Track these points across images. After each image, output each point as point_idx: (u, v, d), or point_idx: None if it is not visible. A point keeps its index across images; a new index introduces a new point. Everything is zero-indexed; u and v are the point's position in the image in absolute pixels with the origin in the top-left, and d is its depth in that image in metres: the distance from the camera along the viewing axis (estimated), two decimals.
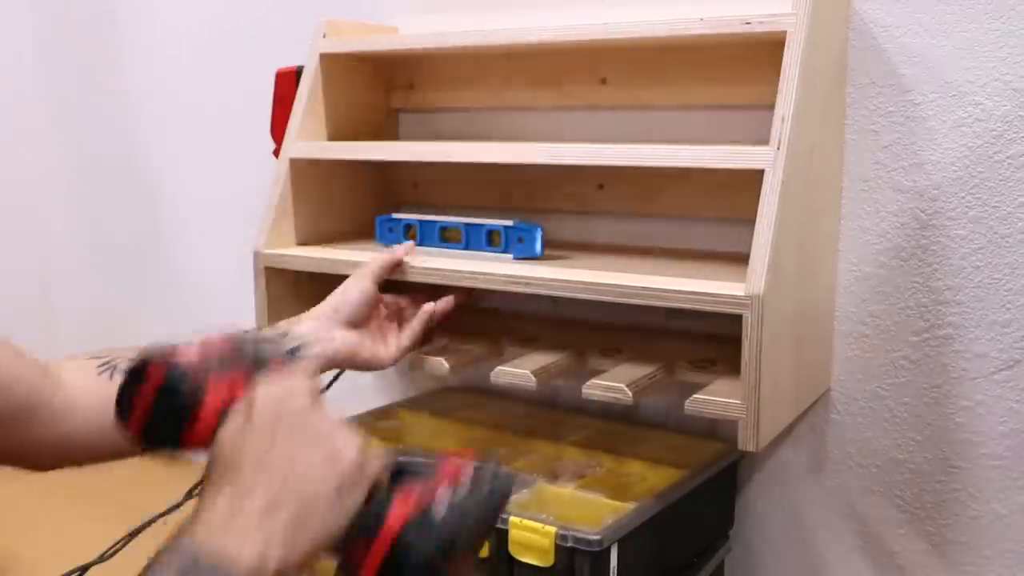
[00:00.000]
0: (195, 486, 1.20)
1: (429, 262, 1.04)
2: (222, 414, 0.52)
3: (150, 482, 1.52)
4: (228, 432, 0.50)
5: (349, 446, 0.51)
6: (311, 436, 0.50)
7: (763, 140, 0.87)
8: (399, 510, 0.52)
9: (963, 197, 0.99)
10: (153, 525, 1.20)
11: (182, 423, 0.54)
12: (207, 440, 0.52)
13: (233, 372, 0.55)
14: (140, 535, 0.96)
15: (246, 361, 0.55)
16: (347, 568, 0.52)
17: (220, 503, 0.47)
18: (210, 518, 0.47)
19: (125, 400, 0.56)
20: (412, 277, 1.03)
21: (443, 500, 0.53)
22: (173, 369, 0.55)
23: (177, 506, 1.20)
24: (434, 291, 1.03)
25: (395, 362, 0.94)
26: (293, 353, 0.58)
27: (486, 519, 0.57)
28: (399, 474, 0.55)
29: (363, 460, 0.51)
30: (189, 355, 0.56)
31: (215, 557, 0.44)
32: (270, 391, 0.51)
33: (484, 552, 0.93)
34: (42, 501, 1.48)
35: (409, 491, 0.53)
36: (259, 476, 0.47)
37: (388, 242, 1.13)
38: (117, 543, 1.18)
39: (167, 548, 0.45)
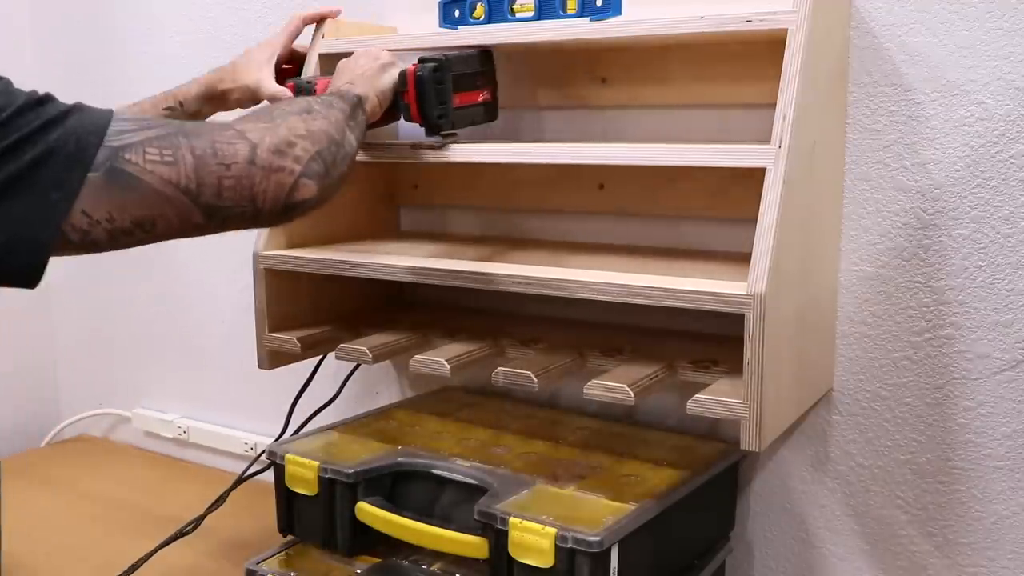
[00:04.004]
0: (213, 504, 1.21)
1: (427, 263, 1.03)
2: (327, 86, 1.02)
3: (166, 492, 1.52)
4: (337, 66, 1.04)
5: (383, 53, 1.03)
6: (365, 55, 1.03)
7: (764, 139, 0.87)
8: (411, 68, 1.01)
9: (965, 197, 0.99)
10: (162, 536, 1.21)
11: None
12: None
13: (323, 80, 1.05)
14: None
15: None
16: (400, 102, 1.01)
17: (338, 83, 0.98)
18: (338, 86, 0.97)
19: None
20: (411, 278, 1.03)
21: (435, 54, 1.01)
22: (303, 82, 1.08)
23: (199, 521, 1.20)
24: None
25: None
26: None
27: (470, 57, 1.05)
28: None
29: (390, 60, 1.02)
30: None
31: (342, 92, 0.93)
32: (349, 56, 1.05)
33: (484, 552, 0.93)
34: (66, 509, 1.48)
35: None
36: (346, 73, 1.00)
37: (453, 25, 1.09)
38: (146, 555, 1.18)
39: (320, 97, 0.92)
